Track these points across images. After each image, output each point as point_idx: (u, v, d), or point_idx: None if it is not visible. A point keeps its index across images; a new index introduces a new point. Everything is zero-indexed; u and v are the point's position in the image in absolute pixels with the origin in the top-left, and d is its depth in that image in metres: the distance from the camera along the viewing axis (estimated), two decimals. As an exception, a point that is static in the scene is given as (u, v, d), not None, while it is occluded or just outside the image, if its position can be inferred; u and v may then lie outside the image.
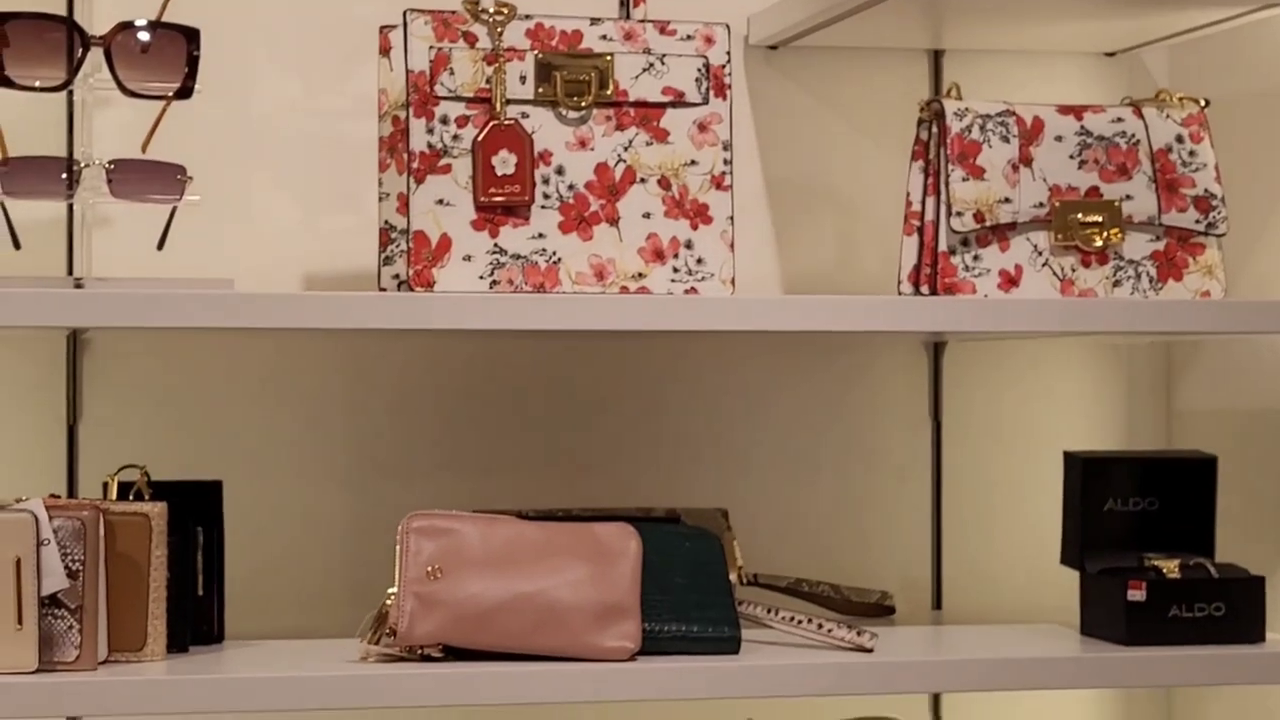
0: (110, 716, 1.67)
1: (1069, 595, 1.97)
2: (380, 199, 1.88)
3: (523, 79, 1.76)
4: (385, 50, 1.86)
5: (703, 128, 1.80)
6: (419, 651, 1.73)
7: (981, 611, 2.16)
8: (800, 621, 1.83)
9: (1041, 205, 1.86)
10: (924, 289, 1.87)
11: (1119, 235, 1.88)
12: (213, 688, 1.66)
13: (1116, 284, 1.88)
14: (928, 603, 2.21)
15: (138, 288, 1.69)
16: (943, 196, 1.86)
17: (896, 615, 2.06)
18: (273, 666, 1.71)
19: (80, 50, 1.77)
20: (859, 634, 1.81)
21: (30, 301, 1.65)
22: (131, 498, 1.75)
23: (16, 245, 1.80)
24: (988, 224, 1.85)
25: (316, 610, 2.05)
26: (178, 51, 1.79)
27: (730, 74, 1.81)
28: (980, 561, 2.22)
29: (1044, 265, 1.87)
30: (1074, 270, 1.87)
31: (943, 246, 1.85)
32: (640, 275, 1.79)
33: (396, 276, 1.83)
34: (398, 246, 1.83)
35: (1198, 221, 1.89)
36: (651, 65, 1.79)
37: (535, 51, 1.77)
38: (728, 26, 1.83)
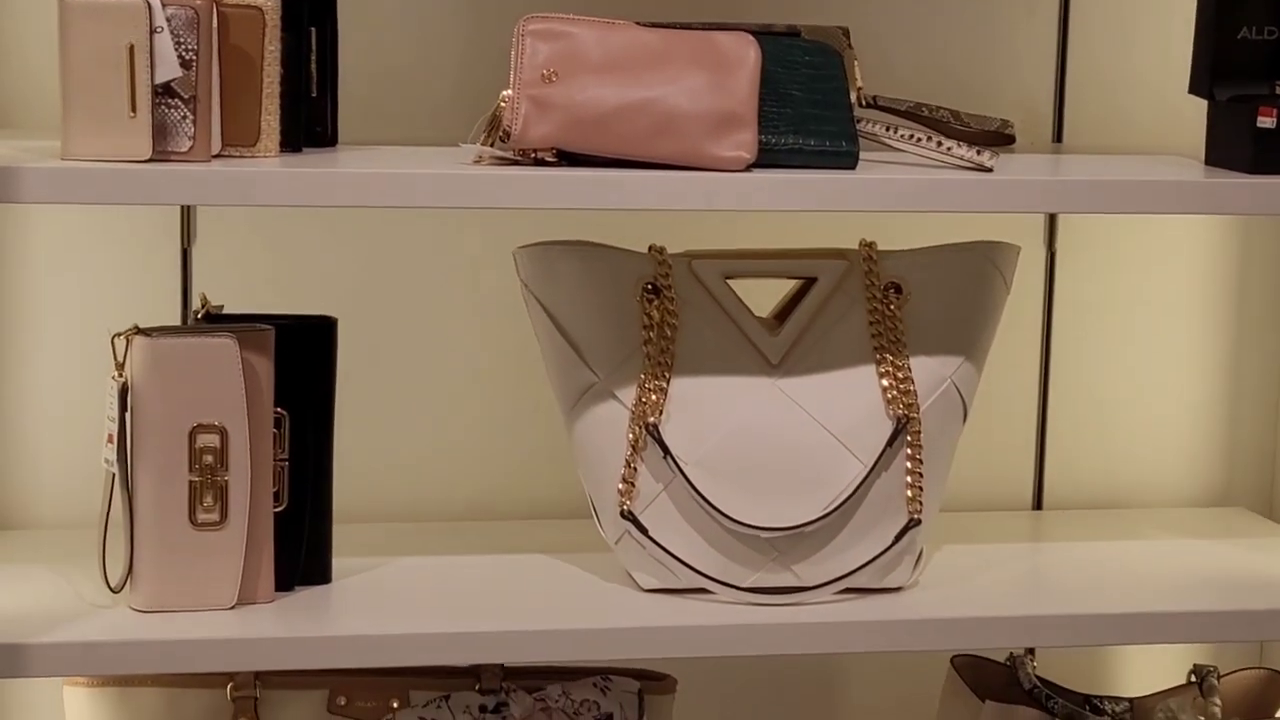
0: (223, 206, 1.67)
1: (1195, 133, 1.93)
2: None
3: None
4: None
5: None
6: (532, 155, 1.71)
7: (1103, 146, 2.13)
8: (920, 140, 1.81)
9: None
10: None
11: None
12: (326, 181, 1.65)
13: None
14: (1049, 136, 2.18)
15: None
16: None
17: (1015, 146, 2.02)
18: (387, 165, 1.70)
19: None
20: (979, 153, 1.78)
21: None
22: (246, -8, 1.72)
23: None
24: None
25: (431, 121, 2.04)
26: None
27: None
28: (1106, 94, 2.18)
29: None
30: None
31: None
32: None
33: None
34: None
35: None
36: None
37: None
38: None
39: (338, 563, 1.86)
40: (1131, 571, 1.97)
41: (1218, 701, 2.01)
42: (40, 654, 1.65)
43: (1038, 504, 2.23)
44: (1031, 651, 2.11)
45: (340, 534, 1.86)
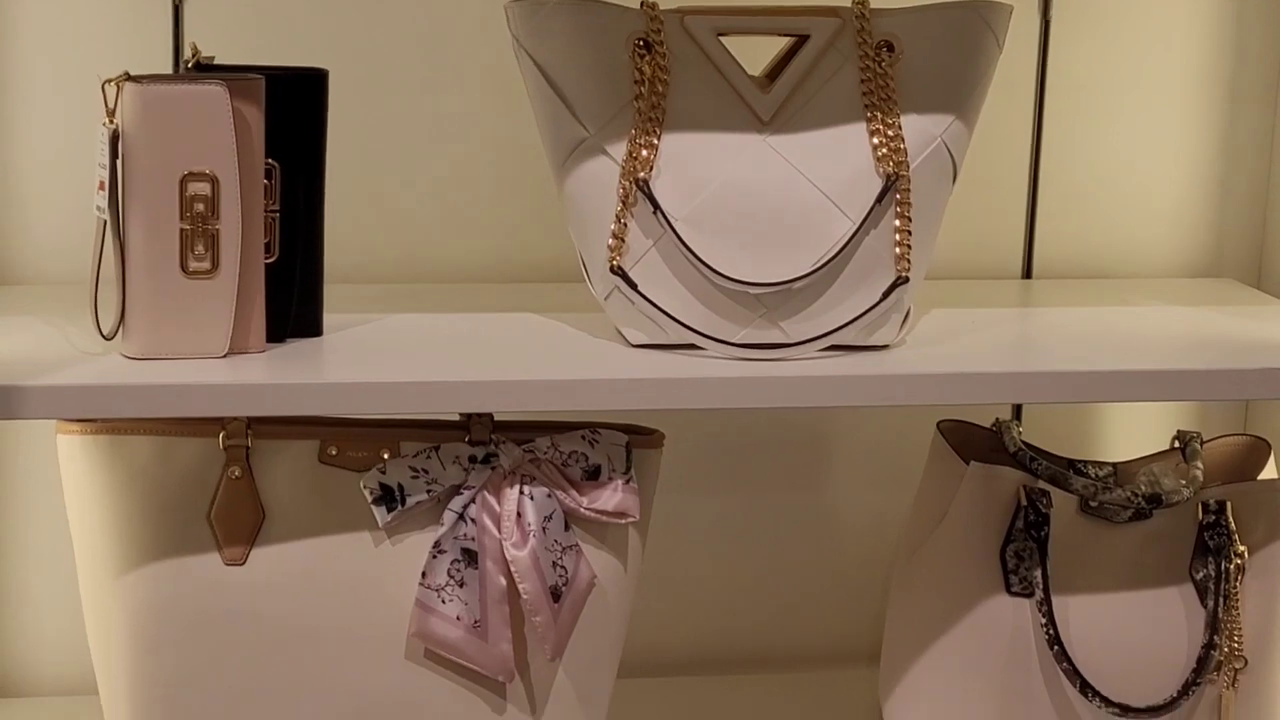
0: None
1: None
2: None
3: None
4: None
5: None
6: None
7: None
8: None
9: None
10: None
11: None
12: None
13: None
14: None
15: None
16: None
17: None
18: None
19: None
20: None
21: None
22: None
23: None
24: None
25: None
26: None
27: None
28: None
29: None
30: None
31: None
32: None
33: None
34: None
35: None
36: None
37: None
38: None
39: (329, 318, 1.86)
40: (1119, 334, 1.98)
41: (1200, 465, 2.03)
42: (32, 395, 1.66)
43: (1027, 273, 2.24)
44: (1018, 416, 2.13)
45: (332, 293, 1.87)
